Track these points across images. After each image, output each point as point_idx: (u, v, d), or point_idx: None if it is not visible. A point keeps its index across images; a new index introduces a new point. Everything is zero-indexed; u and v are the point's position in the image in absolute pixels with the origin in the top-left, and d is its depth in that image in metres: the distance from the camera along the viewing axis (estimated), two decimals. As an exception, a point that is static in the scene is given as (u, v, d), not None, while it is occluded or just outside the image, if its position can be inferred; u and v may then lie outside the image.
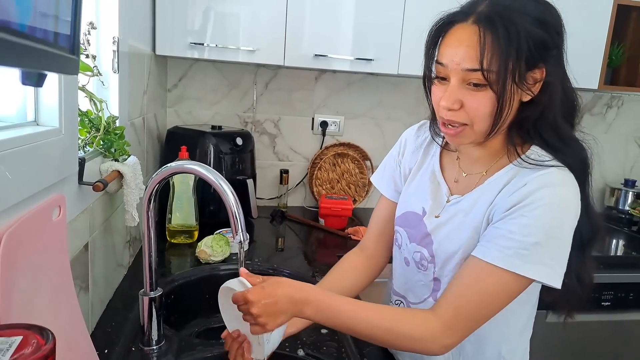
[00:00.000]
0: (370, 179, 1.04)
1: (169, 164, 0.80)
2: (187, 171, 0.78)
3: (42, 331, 0.47)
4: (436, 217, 0.82)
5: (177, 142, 1.51)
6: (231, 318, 0.75)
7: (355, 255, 0.98)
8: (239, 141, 1.63)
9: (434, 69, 0.74)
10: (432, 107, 0.79)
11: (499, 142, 0.77)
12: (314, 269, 1.33)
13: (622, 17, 1.81)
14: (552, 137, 0.73)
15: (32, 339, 0.45)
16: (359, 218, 1.92)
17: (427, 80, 0.77)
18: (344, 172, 2.03)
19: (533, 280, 0.69)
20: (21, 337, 0.45)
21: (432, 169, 0.87)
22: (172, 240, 1.42)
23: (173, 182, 1.42)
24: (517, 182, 0.72)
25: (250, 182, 1.62)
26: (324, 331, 0.95)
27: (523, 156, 0.73)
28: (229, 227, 1.46)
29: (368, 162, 2.03)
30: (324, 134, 2.00)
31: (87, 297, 0.85)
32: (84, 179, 0.80)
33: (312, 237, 1.68)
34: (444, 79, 0.72)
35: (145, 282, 0.81)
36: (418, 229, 0.84)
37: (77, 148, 0.76)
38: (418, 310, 0.77)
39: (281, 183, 1.95)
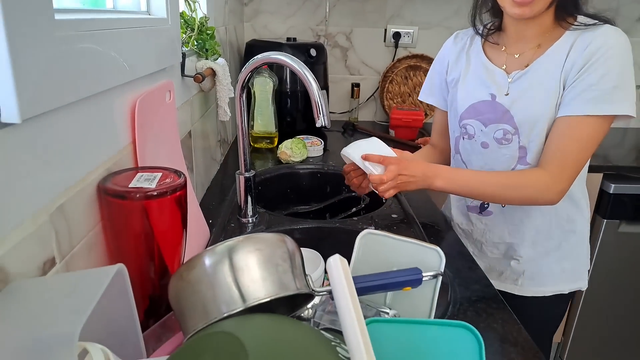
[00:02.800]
0: (419, 99, 1.14)
1: (256, 56, 0.87)
2: (274, 61, 0.86)
3: (176, 172, 0.59)
4: (506, 95, 0.90)
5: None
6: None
7: (427, 149, 1.13)
8: (313, 52, 1.67)
9: None
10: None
11: (548, 18, 0.88)
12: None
13: None
14: (587, 9, 0.87)
15: (169, 176, 0.57)
16: (429, 132, 1.92)
17: None
18: (416, 86, 2.02)
19: (616, 116, 0.82)
20: (161, 173, 0.57)
21: (480, 62, 0.95)
22: (255, 145, 1.55)
23: (254, 92, 1.51)
24: (583, 42, 0.83)
25: (323, 92, 1.68)
26: (394, 216, 1.03)
27: (576, 23, 0.85)
28: (305, 135, 1.56)
29: (441, 75, 1.99)
30: (396, 46, 1.97)
31: (192, 178, 0.99)
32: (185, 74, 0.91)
33: (383, 148, 1.73)
34: None
35: (240, 163, 0.93)
36: (494, 112, 0.91)
37: (181, 40, 0.85)
38: (530, 168, 0.89)
39: (352, 97, 2.00)
